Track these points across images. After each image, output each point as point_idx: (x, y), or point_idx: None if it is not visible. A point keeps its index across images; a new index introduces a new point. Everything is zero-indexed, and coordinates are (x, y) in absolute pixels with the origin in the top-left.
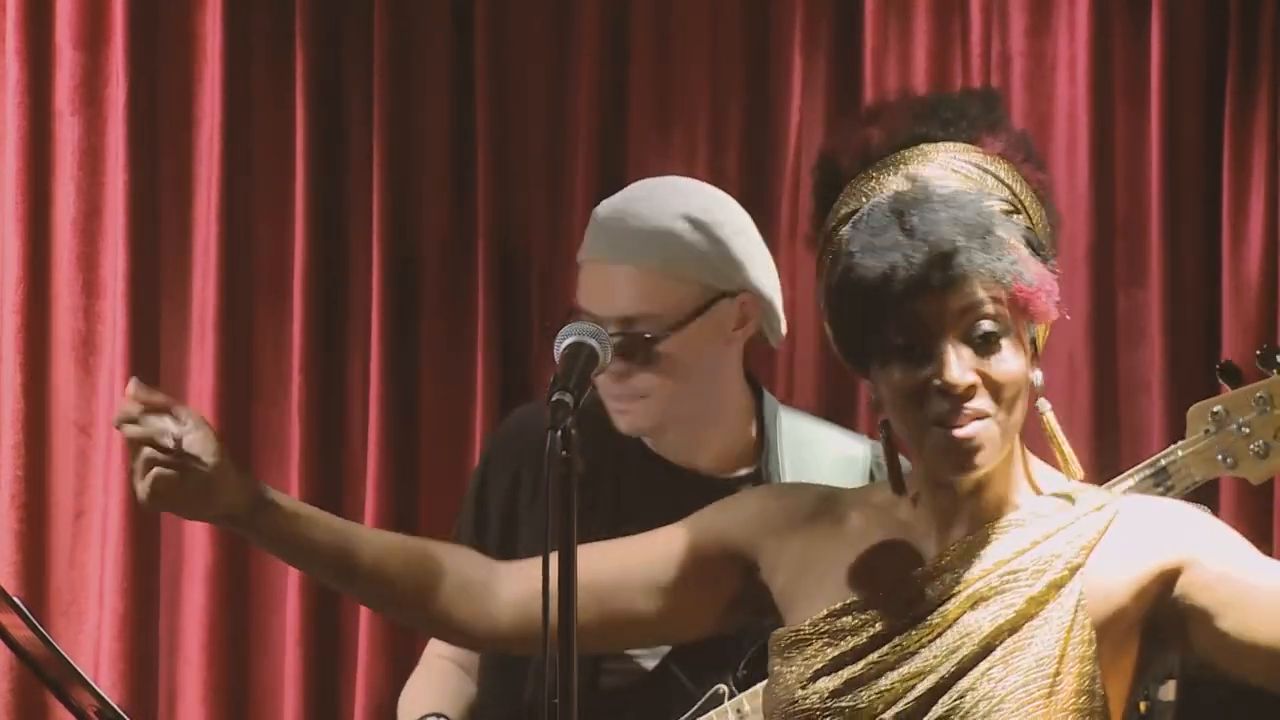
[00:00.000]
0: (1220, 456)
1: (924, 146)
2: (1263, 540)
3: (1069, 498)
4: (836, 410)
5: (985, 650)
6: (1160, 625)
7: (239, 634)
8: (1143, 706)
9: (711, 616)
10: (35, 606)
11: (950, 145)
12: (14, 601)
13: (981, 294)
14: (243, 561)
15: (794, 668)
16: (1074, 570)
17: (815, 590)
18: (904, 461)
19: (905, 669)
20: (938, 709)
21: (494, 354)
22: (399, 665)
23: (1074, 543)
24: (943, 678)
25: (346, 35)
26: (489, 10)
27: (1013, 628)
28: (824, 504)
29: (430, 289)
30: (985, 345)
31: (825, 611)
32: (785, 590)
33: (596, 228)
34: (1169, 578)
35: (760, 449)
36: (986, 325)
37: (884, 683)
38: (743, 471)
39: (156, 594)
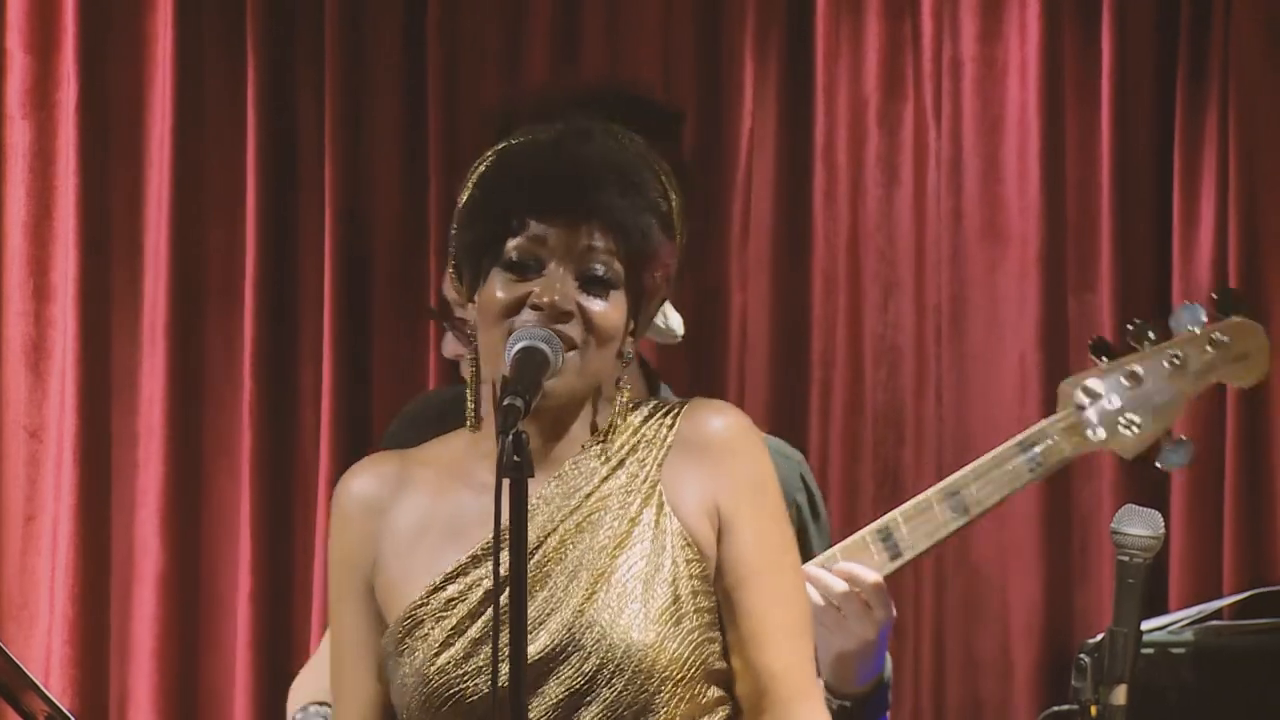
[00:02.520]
0: (1090, 431)
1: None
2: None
3: (632, 413)
4: (789, 412)
5: (599, 581)
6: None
7: (189, 639)
8: (1093, 710)
9: None
10: None
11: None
12: None
13: (606, 241)
14: (193, 566)
15: (416, 654)
16: (654, 485)
17: (410, 569)
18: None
19: (530, 602)
20: (569, 646)
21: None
22: None
23: (647, 459)
24: (566, 616)
25: (297, 39)
26: (440, 14)
27: (619, 551)
28: (399, 473)
29: (382, 292)
30: (593, 286)
31: (428, 587)
32: (386, 581)
33: None
34: (716, 515)
35: None
36: (600, 270)
37: (508, 634)
38: None
39: (107, 598)
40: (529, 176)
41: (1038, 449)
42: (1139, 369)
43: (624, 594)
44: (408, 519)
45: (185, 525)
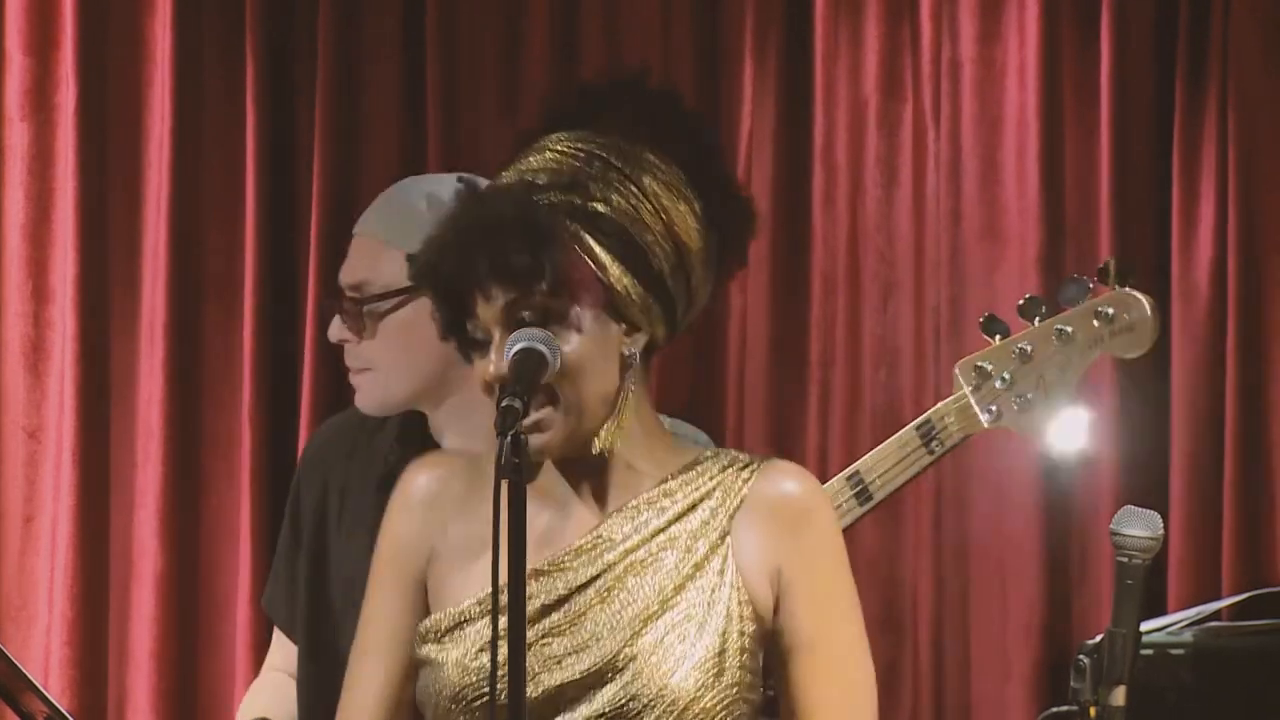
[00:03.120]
0: (984, 410)
1: (557, 135)
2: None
3: (710, 460)
4: (788, 413)
5: (652, 617)
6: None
7: (188, 640)
8: (1092, 711)
9: None
10: None
11: (580, 132)
12: None
13: (519, 288)
14: (192, 567)
15: (459, 647)
16: (724, 535)
17: (471, 567)
18: None
19: (575, 636)
20: (611, 675)
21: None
22: None
23: (720, 508)
24: (613, 644)
25: (296, 41)
26: (439, 16)
27: (676, 593)
28: (470, 475)
29: None
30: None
31: (478, 597)
32: (439, 575)
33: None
34: (777, 579)
35: None
36: (527, 315)
37: (555, 649)
38: None
39: (106, 599)
40: (442, 268)
41: (934, 432)
42: (1028, 346)
43: (674, 635)
44: (472, 522)
45: (185, 526)
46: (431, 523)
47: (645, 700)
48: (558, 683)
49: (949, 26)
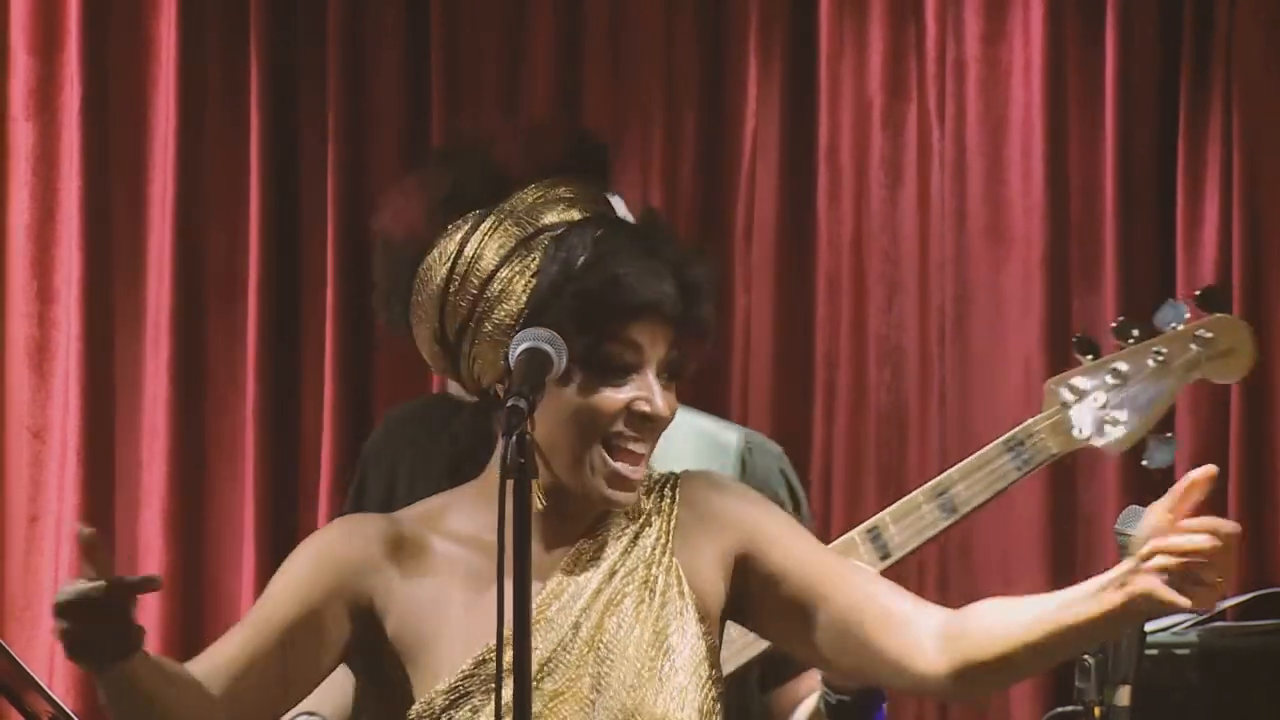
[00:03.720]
0: (1076, 429)
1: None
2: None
3: (642, 485)
4: (793, 413)
5: (641, 657)
6: (738, 597)
7: (193, 641)
8: (1097, 712)
9: (326, 667)
10: None
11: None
12: None
13: (695, 341)
14: (197, 567)
15: None
16: (672, 556)
17: (443, 639)
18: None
19: (577, 696)
20: (616, 713)
21: None
22: None
23: (661, 532)
24: (612, 686)
25: (301, 41)
26: (443, 17)
27: (652, 625)
28: (397, 535)
29: None
30: (669, 382)
31: (473, 661)
32: (401, 635)
33: None
34: (737, 554)
35: None
36: (678, 366)
37: (564, 713)
38: None
39: None
40: (640, 289)
41: (1024, 447)
42: (1123, 366)
43: (668, 666)
44: (428, 579)
45: (189, 526)
46: (373, 563)
47: None
48: None
49: (954, 26)
